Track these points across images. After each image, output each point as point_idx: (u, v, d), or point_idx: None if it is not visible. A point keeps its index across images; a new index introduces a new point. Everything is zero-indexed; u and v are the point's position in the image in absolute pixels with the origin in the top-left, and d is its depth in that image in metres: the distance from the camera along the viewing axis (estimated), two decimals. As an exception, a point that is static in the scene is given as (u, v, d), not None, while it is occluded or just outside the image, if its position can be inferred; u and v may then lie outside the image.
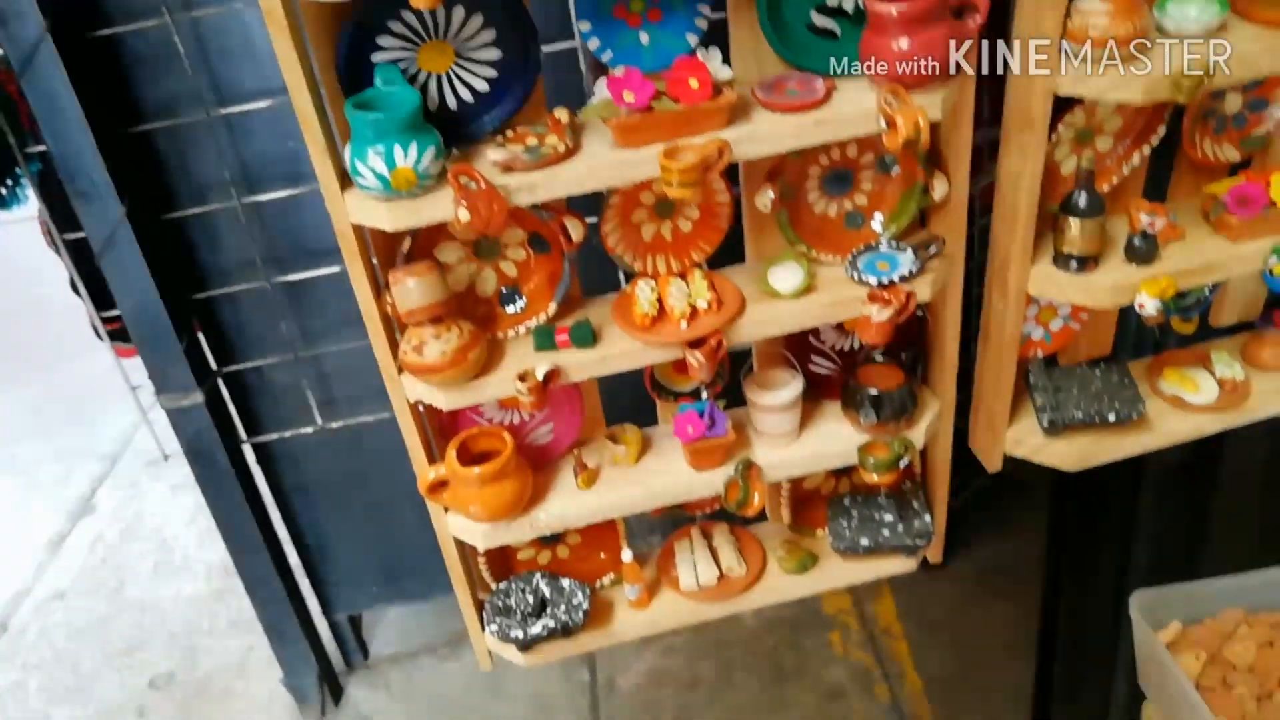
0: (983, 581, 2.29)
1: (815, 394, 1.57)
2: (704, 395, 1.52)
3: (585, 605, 1.59)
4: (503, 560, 1.69)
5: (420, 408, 1.42)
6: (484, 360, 1.32)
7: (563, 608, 1.59)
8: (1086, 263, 1.36)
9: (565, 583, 1.63)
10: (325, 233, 1.68)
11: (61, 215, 1.73)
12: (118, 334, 1.91)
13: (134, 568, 2.69)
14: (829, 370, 1.62)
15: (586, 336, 1.31)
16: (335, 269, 1.74)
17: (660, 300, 1.33)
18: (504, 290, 1.40)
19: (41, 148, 1.57)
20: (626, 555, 1.60)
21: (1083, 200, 1.32)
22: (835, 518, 1.65)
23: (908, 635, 2.21)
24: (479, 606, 1.65)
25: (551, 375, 1.31)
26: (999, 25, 1.24)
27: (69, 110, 1.51)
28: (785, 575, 1.67)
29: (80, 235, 1.65)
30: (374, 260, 1.29)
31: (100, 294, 1.79)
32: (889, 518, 1.63)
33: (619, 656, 2.24)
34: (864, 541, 1.61)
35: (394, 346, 1.33)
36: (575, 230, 1.28)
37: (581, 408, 1.56)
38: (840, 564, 1.67)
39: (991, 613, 2.22)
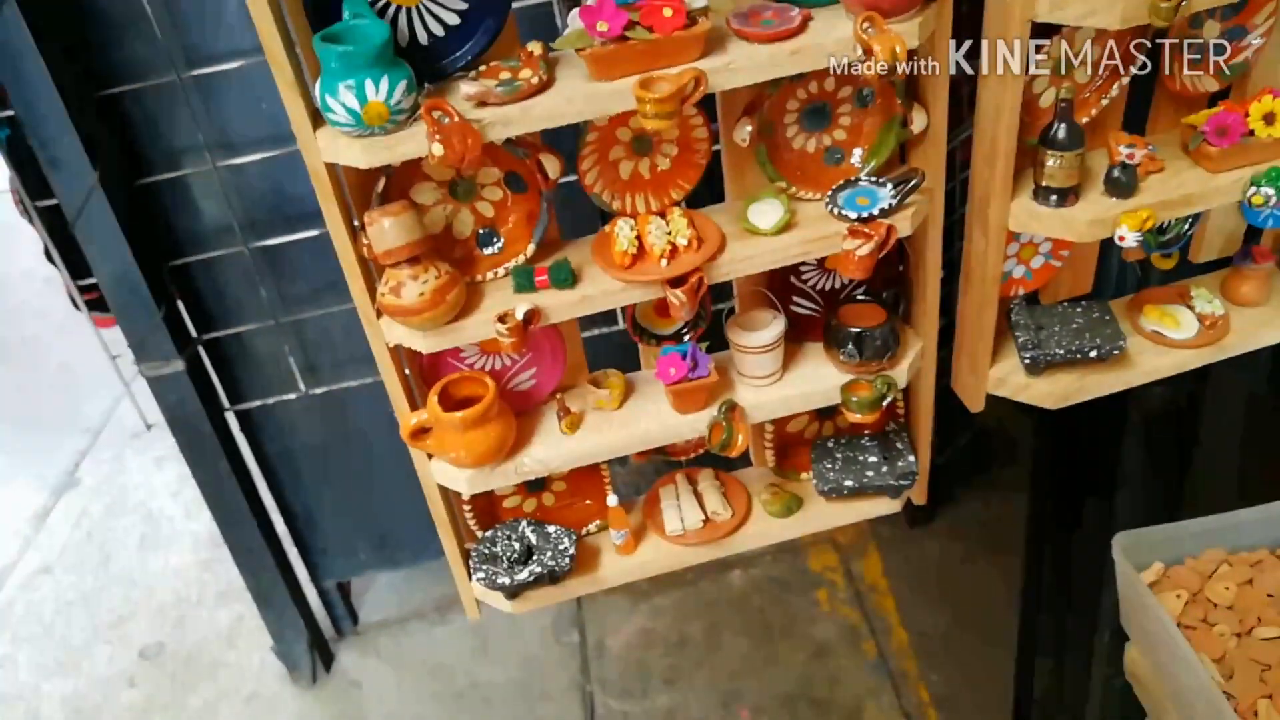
0: (968, 538, 2.30)
1: (797, 335, 1.57)
2: (686, 338, 1.51)
3: (571, 551, 1.58)
4: (488, 509, 1.69)
5: (400, 354, 1.41)
6: (462, 301, 1.30)
7: (549, 554, 1.58)
8: (1066, 196, 1.35)
9: (551, 529, 1.63)
10: (303, 196, 1.69)
11: (33, 182, 1.71)
12: (96, 304, 1.89)
13: (120, 541, 2.67)
14: (811, 311, 1.61)
15: (566, 276, 1.30)
16: (314, 232, 1.72)
17: (640, 239, 1.32)
18: (481, 232, 1.38)
19: (9, 113, 1.55)
20: (612, 500, 1.60)
21: (1062, 132, 1.32)
22: (819, 460, 1.65)
23: (894, 591, 2.22)
24: (465, 556, 1.64)
25: (531, 316, 1.29)
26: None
27: (36, 74, 1.48)
28: (770, 519, 1.67)
29: (53, 203, 1.63)
30: (349, 202, 1.27)
31: (77, 263, 1.77)
32: (873, 459, 1.63)
33: (608, 618, 2.24)
34: (848, 483, 1.61)
35: (372, 291, 1.31)
36: (552, 167, 1.27)
37: (563, 353, 1.55)
38: (825, 506, 1.67)
39: (977, 568, 2.22)
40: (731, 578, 2.29)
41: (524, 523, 1.65)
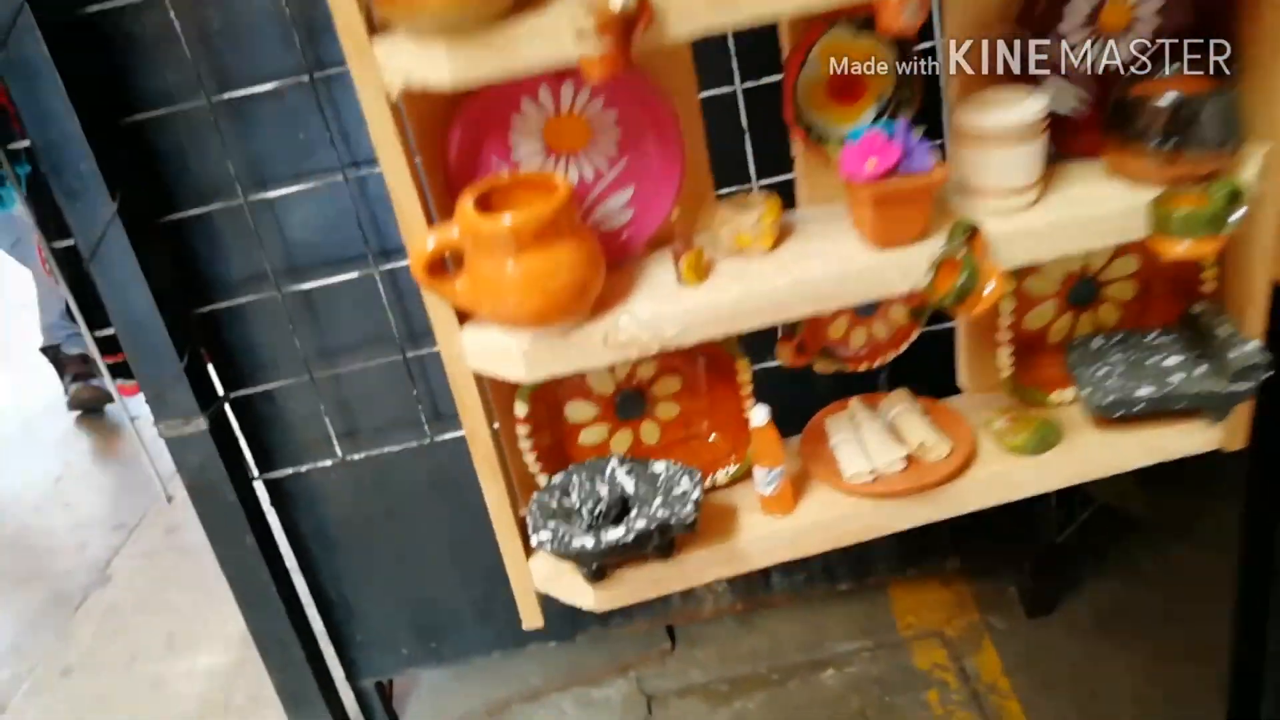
0: (1101, 630, 1.98)
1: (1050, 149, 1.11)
2: (888, 113, 1.11)
3: (695, 495, 1.11)
4: (557, 440, 1.28)
5: (407, 134, 1.01)
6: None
7: (658, 504, 1.11)
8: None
9: (660, 467, 1.16)
10: (344, 238, 1.53)
11: (53, 226, 1.57)
12: (120, 369, 1.72)
13: (146, 641, 2.45)
14: (1074, 107, 1.14)
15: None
16: (355, 274, 1.55)
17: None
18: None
19: (26, 143, 1.41)
20: (759, 414, 1.16)
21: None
22: (1084, 365, 1.18)
23: (1017, 692, 1.90)
24: (521, 525, 1.22)
25: (641, 6, 0.86)
26: None
27: (53, 95, 1.35)
28: (1012, 456, 1.20)
29: (70, 243, 1.48)
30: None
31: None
32: (1174, 359, 1.15)
33: (683, 723, 1.95)
34: (1144, 391, 1.11)
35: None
36: None
37: (678, 161, 1.11)
38: (1101, 438, 1.19)
39: (1115, 665, 1.90)
40: (824, 678, 1.99)
41: (613, 460, 1.19)
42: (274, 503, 1.78)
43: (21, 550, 2.94)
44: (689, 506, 1.09)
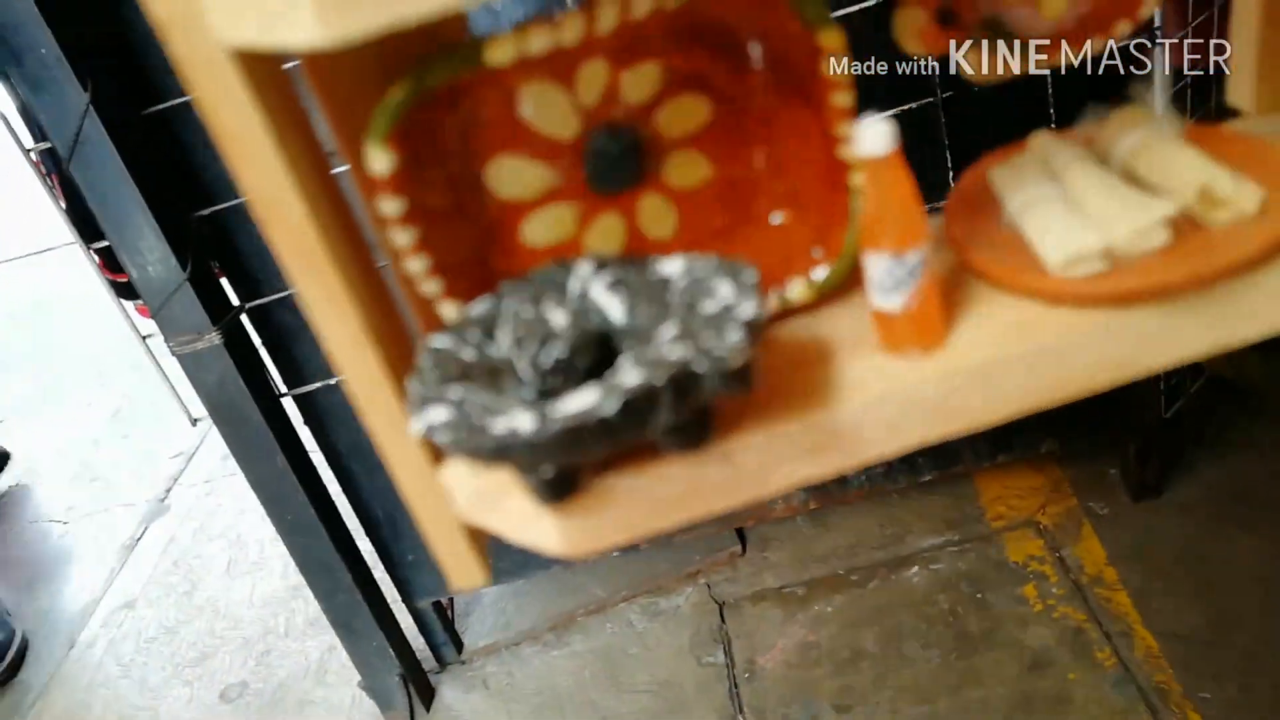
0: (1217, 511, 1.78)
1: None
2: None
3: (749, 313, 0.59)
4: (478, 250, 0.75)
5: None
6: None
7: (668, 334, 0.61)
8: None
9: (675, 265, 0.66)
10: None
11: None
12: (130, 289, 1.60)
13: (206, 568, 2.40)
14: None
15: None
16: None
17: None
18: None
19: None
20: (874, 133, 0.62)
21: None
22: None
23: (1125, 583, 1.72)
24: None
25: None
26: None
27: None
28: None
29: (48, 146, 1.34)
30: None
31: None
32: None
33: (759, 632, 1.82)
34: None
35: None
36: None
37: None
38: None
39: (1235, 548, 1.71)
40: (908, 577, 1.84)
41: (582, 265, 0.68)
42: (306, 420, 1.66)
43: (85, 484, 2.91)
44: (735, 336, 0.57)
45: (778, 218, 0.78)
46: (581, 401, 0.58)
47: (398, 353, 0.71)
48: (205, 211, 1.44)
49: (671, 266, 0.66)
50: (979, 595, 1.76)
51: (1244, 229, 0.68)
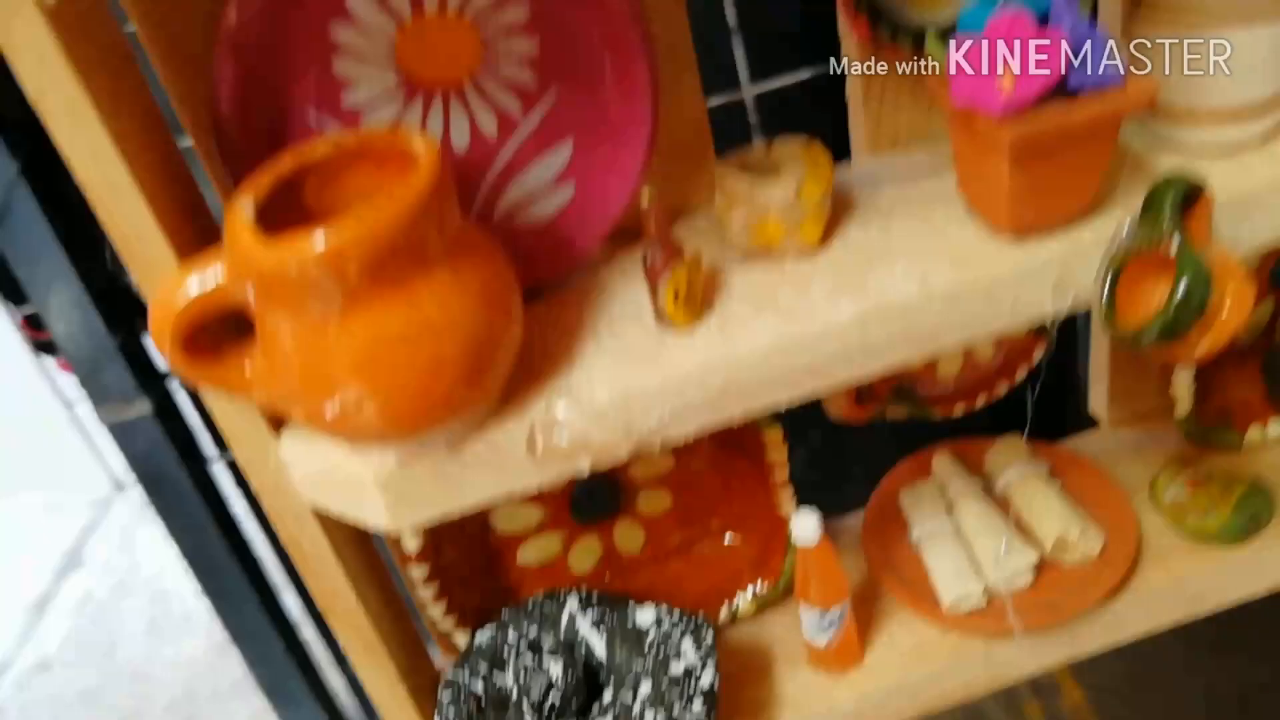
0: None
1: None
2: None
3: (708, 679, 0.72)
4: (483, 573, 0.89)
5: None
6: None
7: (643, 687, 0.72)
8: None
9: (646, 615, 0.78)
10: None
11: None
12: (51, 345, 1.55)
13: (127, 628, 2.32)
14: None
15: None
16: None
17: None
18: None
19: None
20: (805, 526, 0.75)
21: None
22: None
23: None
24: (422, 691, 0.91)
25: None
26: None
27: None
28: (1200, 547, 0.78)
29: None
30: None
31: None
32: None
33: None
34: None
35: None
36: None
37: (647, 100, 0.63)
38: None
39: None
40: None
41: (572, 601, 0.80)
42: (240, 483, 1.62)
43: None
44: (698, 705, 0.67)
45: (727, 539, 0.98)
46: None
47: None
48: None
49: (644, 615, 0.82)
50: None
51: (1090, 572, 0.90)
